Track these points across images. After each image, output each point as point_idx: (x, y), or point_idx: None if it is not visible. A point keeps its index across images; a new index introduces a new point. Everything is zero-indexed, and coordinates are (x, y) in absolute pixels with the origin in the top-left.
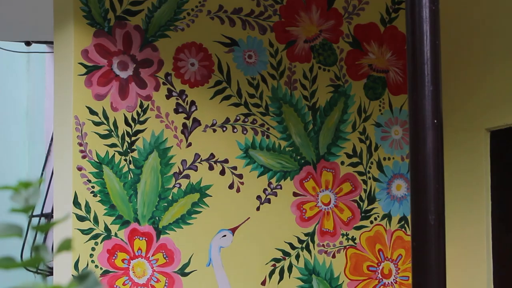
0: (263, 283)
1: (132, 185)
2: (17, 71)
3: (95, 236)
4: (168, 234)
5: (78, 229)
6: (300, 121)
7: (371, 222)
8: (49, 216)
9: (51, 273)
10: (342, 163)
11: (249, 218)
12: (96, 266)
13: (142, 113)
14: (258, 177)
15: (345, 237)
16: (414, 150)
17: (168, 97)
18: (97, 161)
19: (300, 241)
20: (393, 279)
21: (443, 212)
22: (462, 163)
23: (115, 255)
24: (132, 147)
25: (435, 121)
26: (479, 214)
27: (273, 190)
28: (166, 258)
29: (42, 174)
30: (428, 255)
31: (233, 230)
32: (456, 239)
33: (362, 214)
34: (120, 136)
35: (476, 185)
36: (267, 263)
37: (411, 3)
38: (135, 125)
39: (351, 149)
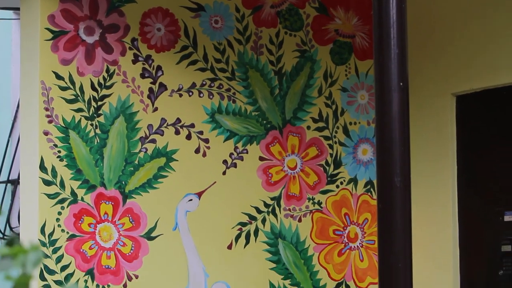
0: (229, 247)
1: (98, 149)
2: None
3: (62, 201)
4: (135, 198)
5: (44, 193)
6: (266, 86)
7: (337, 187)
8: (15, 182)
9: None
10: (308, 127)
11: (215, 182)
12: (63, 230)
13: (108, 78)
14: (224, 141)
15: (311, 201)
16: (379, 112)
17: (134, 62)
18: (64, 126)
19: (266, 205)
20: (359, 243)
21: (409, 175)
22: (428, 127)
23: (82, 219)
24: (99, 112)
25: (401, 83)
26: (445, 177)
27: (239, 155)
28: (133, 222)
29: (8, 140)
30: (394, 217)
31: (199, 195)
32: (422, 202)
33: (328, 179)
34: (86, 101)
35: (442, 149)
36: (233, 227)
37: None
38: (101, 90)
39: (317, 114)
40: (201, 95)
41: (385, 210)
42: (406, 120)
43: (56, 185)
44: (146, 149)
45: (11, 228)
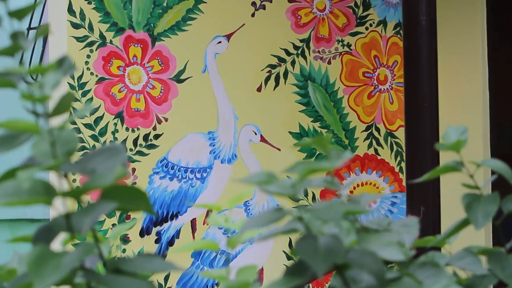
0: (259, 89)
1: None
2: None
3: (90, 44)
4: (163, 41)
5: (73, 36)
6: None
7: (366, 28)
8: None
9: None
10: None
11: (244, 24)
12: (92, 74)
13: None
14: None
15: (340, 43)
16: None
17: None
18: None
19: (296, 47)
20: (389, 86)
21: (435, 13)
22: None
23: (111, 62)
24: None
25: None
26: (474, 23)
27: None
28: (162, 64)
29: None
30: (420, 54)
31: (228, 37)
32: (452, 49)
33: (358, 21)
34: None
35: None
36: (262, 70)
37: None
38: None
39: None
40: None
41: (411, 48)
42: None
43: (85, 28)
44: None
45: None
